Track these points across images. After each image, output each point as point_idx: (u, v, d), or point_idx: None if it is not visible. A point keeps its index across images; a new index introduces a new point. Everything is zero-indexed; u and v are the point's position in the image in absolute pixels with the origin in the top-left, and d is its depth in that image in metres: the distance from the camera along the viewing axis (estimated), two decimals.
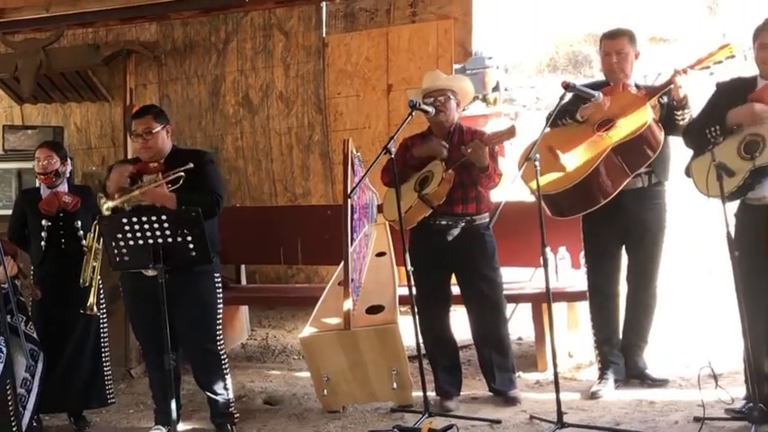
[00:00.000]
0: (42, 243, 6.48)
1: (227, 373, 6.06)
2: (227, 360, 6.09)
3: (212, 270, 5.94)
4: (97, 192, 5.93)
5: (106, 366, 6.58)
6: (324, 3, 9.50)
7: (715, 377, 5.68)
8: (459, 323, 6.64)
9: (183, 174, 5.75)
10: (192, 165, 5.78)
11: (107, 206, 5.58)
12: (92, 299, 6.17)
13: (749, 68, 5.50)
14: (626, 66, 6.18)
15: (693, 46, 13.15)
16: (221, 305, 6.09)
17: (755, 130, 5.07)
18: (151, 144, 5.91)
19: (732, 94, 5.31)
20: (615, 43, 6.20)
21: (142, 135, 5.90)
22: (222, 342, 6.07)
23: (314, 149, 9.54)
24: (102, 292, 6.56)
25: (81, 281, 6.22)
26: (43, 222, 6.47)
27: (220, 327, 6.06)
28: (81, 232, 6.48)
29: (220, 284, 6.06)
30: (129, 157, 9.14)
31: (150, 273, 5.48)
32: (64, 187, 6.57)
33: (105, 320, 6.62)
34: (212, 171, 6.02)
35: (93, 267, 6.28)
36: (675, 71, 5.85)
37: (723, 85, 5.49)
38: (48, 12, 9.21)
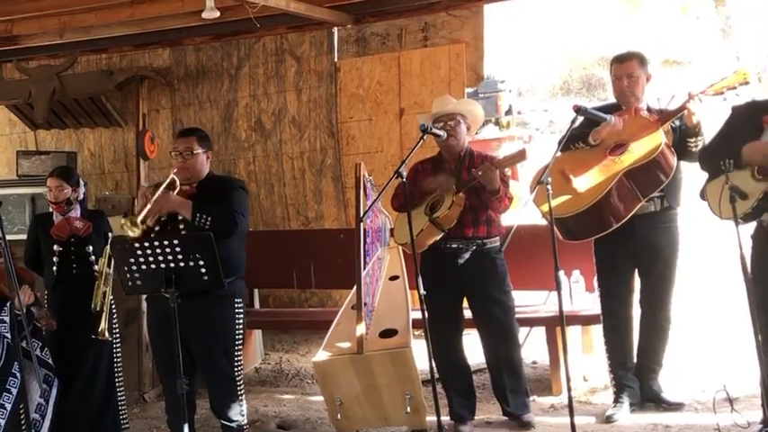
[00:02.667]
0: (54, 268, 6.50)
1: (242, 399, 6.04)
2: (243, 386, 6.08)
3: (233, 295, 5.93)
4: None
5: (120, 392, 6.58)
6: (335, 28, 9.55)
7: (731, 401, 5.68)
8: (473, 346, 6.63)
9: (174, 177, 5.84)
10: None
11: (132, 229, 5.57)
12: (103, 324, 6.18)
13: (764, 90, 5.49)
14: (637, 89, 6.18)
15: (707, 69, 13.13)
16: (241, 330, 6.05)
17: None
18: (189, 164, 5.95)
19: (747, 117, 5.31)
20: (625, 67, 6.20)
21: (182, 153, 5.94)
22: (241, 368, 6.05)
23: (326, 173, 9.57)
24: (115, 316, 6.56)
25: (92, 306, 6.23)
26: (55, 247, 6.49)
27: (240, 352, 6.04)
28: (93, 257, 6.49)
29: (241, 309, 6.04)
30: (142, 181, 9.21)
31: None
32: (76, 212, 6.58)
33: (119, 345, 6.62)
34: (238, 194, 6.01)
35: (104, 292, 6.29)
36: (690, 95, 5.85)
37: (738, 108, 5.49)
38: (61, 38, 9.26)
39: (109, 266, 6.29)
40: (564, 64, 17.04)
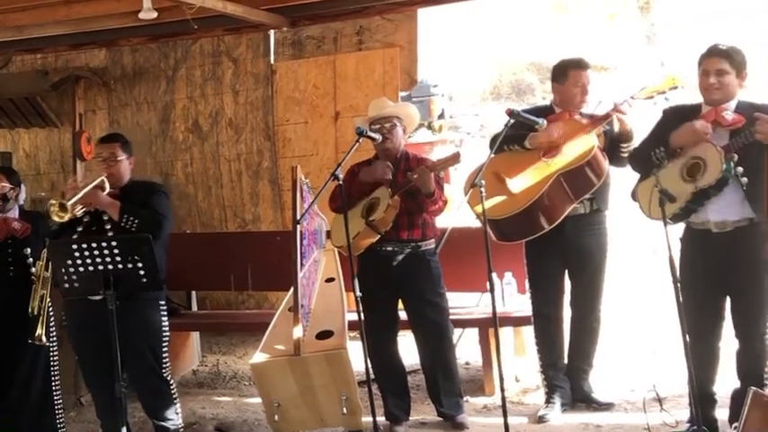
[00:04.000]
0: None
1: (175, 400, 6.04)
2: (174, 386, 6.09)
3: (158, 297, 5.95)
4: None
5: (56, 396, 6.47)
6: (272, 30, 9.56)
7: (660, 400, 5.81)
8: (407, 348, 6.69)
9: (104, 179, 5.87)
10: None
11: (58, 213, 5.56)
12: (40, 329, 6.05)
13: (686, 96, 5.61)
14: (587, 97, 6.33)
15: (633, 74, 13.37)
16: (167, 331, 6.06)
17: (697, 153, 5.19)
18: (114, 170, 5.97)
19: (678, 119, 5.41)
20: (587, 75, 6.34)
21: (106, 159, 5.98)
22: (169, 368, 6.05)
23: (263, 176, 9.59)
24: (52, 319, 6.47)
25: (29, 310, 6.14)
26: None
27: (167, 353, 6.04)
28: (30, 259, 6.36)
29: (165, 311, 6.07)
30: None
31: (96, 297, 5.46)
32: (14, 213, 6.50)
33: (56, 349, 6.52)
34: (160, 198, 6.06)
35: (42, 296, 6.19)
36: (614, 105, 6.00)
37: (669, 110, 5.62)
38: None
39: (47, 270, 6.18)
40: (494, 69, 17.20)
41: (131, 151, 6.19)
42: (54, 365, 6.48)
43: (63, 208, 5.55)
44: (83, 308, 5.68)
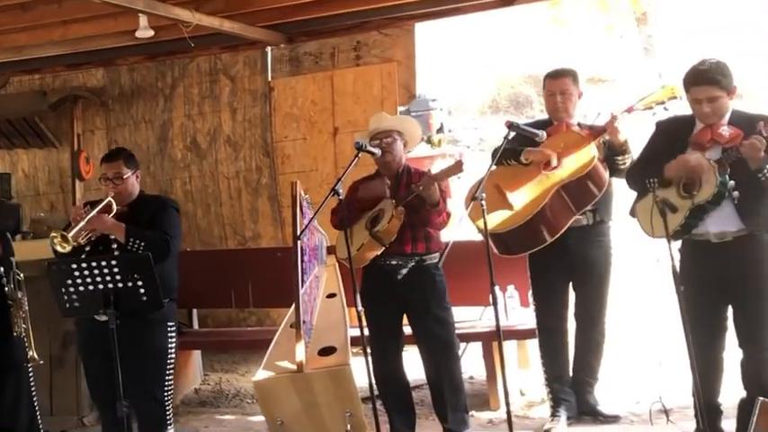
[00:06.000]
0: None
1: (170, 426, 5.92)
2: (171, 410, 5.95)
3: (166, 318, 5.83)
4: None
5: (39, 418, 6.34)
6: (269, 47, 9.57)
7: (666, 412, 5.76)
8: (410, 362, 6.66)
9: (111, 200, 5.75)
10: None
11: (61, 244, 5.48)
12: (31, 351, 5.87)
13: (686, 108, 5.57)
14: (569, 105, 6.28)
15: (631, 86, 13.38)
16: (173, 354, 5.93)
17: None
18: (120, 189, 5.85)
19: (671, 133, 5.40)
20: (559, 83, 6.29)
21: (112, 180, 5.85)
22: (170, 391, 5.93)
23: (262, 193, 9.60)
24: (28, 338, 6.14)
25: (14, 335, 5.93)
26: None
27: (170, 376, 5.92)
28: (4, 279, 6.17)
29: (174, 333, 5.93)
30: (77, 202, 9.12)
31: (103, 318, 5.40)
32: None
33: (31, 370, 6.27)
34: (169, 215, 5.94)
35: (24, 318, 5.98)
36: (612, 115, 5.96)
37: (662, 123, 5.58)
38: None
39: (18, 290, 5.90)
40: (492, 82, 17.23)
41: (137, 164, 6.04)
42: (33, 386, 6.24)
43: (65, 239, 5.46)
44: (90, 327, 5.62)
